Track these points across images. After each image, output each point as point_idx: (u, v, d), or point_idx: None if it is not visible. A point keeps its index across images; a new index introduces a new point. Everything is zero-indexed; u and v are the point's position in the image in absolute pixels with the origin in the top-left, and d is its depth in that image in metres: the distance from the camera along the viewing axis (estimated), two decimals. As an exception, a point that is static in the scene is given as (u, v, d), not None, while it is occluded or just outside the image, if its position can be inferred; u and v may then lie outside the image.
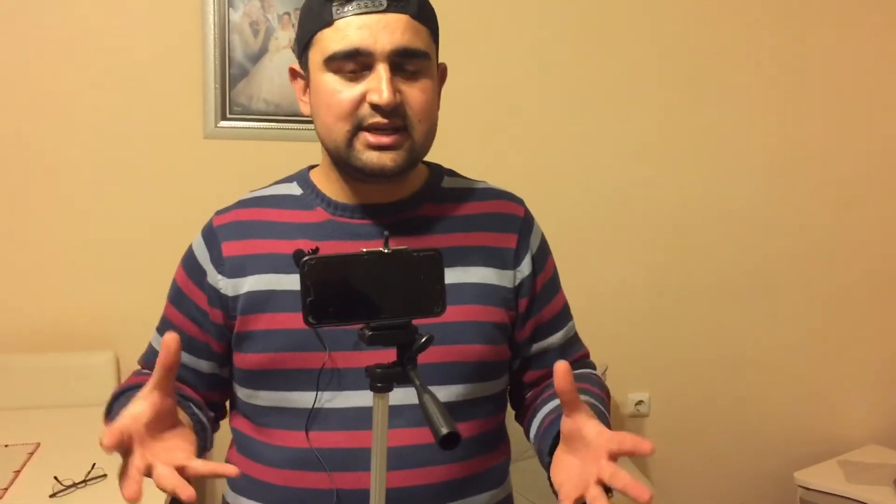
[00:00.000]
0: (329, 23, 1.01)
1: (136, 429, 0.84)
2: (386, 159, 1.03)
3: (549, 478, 0.96)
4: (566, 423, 0.91)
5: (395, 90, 1.01)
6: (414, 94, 1.03)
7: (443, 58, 1.15)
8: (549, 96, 2.74)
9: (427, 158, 1.21)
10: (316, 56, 1.05)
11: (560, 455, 0.94)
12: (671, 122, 2.82)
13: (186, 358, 1.14)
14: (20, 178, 2.49)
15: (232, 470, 0.84)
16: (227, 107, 2.55)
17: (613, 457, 0.85)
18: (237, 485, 1.15)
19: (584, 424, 0.89)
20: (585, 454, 0.88)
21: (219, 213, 1.17)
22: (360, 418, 1.05)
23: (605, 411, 1.08)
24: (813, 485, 2.74)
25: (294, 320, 1.05)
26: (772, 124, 2.88)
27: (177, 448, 0.88)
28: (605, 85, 2.76)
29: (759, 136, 2.88)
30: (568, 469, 0.91)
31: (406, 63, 1.02)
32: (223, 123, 2.56)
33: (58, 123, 2.49)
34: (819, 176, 2.93)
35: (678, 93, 2.81)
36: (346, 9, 1.00)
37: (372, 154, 1.03)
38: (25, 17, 2.44)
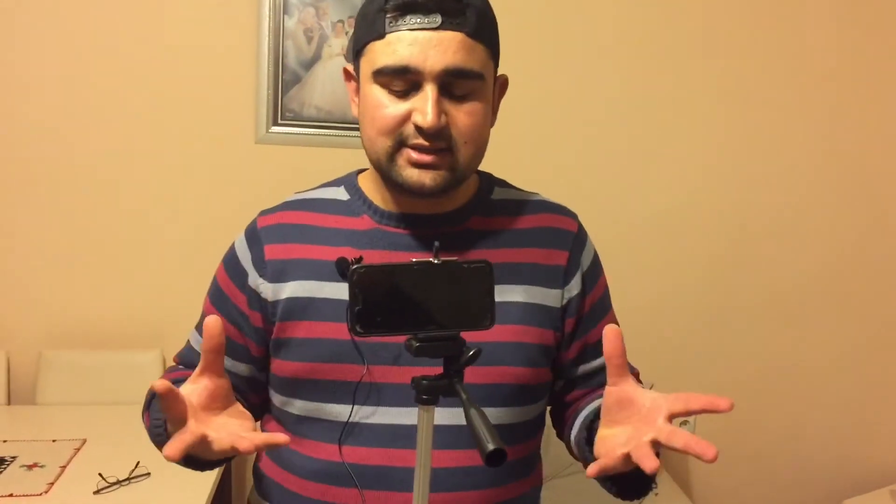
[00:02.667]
0: (381, 35, 0.98)
1: (188, 407, 0.83)
2: (426, 178, 1.00)
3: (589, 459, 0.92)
4: (611, 393, 0.87)
5: (442, 112, 0.98)
6: (461, 116, 1.00)
7: (500, 68, 1.13)
8: (598, 110, 2.71)
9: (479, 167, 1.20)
10: (366, 66, 1.02)
11: (603, 431, 0.89)
12: (719, 136, 2.77)
13: (225, 361, 1.13)
14: (73, 181, 2.54)
15: (282, 438, 0.82)
16: (279, 113, 2.58)
17: (672, 419, 0.81)
18: (265, 492, 1.14)
19: (634, 391, 0.86)
20: (638, 419, 0.84)
21: (263, 213, 1.15)
22: (396, 436, 1.03)
23: None
24: (863, 514, 2.66)
25: (334, 330, 1.04)
26: (822, 139, 2.81)
27: (234, 423, 0.88)
28: (653, 99, 2.72)
29: (808, 152, 2.81)
30: (613, 439, 0.85)
31: (456, 83, 0.99)
32: (275, 129, 2.58)
33: (109, 127, 2.54)
34: (872, 193, 2.86)
35: (726, 109, 2.76)
36: (399, 23, 0.97)
37: (413, 171, 1.00)
38: (81, 22, 2.49)
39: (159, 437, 0.98)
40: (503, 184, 1.19)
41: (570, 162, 2.72)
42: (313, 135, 2.59)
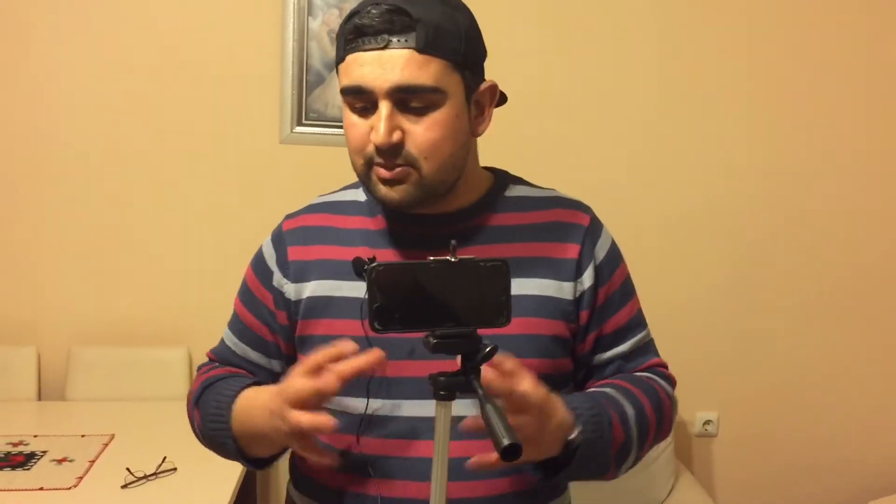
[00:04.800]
0: (342, 59, 1.04)
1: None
2: (393, 193, 1.04)
3: None
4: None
5: (396, 128, 1.00)
6: (419, 132, 1.02)
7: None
8: (622, 110, 2.70)
9: (496, 165, 1.21)
10: (340, 87, 1.07)
11: None
12: (746, 137, 2.75)
13: (258, 357, 1.18)
14: (102, 180, 2.58)
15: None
16: (304, 113, 2.60)
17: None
18: (297, 480, 1.18)
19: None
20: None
21: (288, 217, 1.20)
22: (412, 428, 1.06)
23: (618, 395, 1.07)
24: (889, 516, 2.63)
25: (351, 327, 1.06)
26: (848, 139, 2.78)
27: None
28: (677, 99, 2.71)
29: (835, 152, 2.78)
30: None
31: (410, 100, 1.01)
32: (299, 129, 2.61)
33: (136, 128, 2.58)
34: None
35: (751, 108, 2.74)
36: (354, 45, 1.01)
37: (382, 188, 1.04)
38: (107, 25, 2.53)
39: (217, 433, 1.08)
40: (518, 181, 1.20)
41: (593, 164, 2.72)
42: (337, 135, 2.61)
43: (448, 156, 1.05)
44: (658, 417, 1.11)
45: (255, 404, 1.04)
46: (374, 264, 0.80)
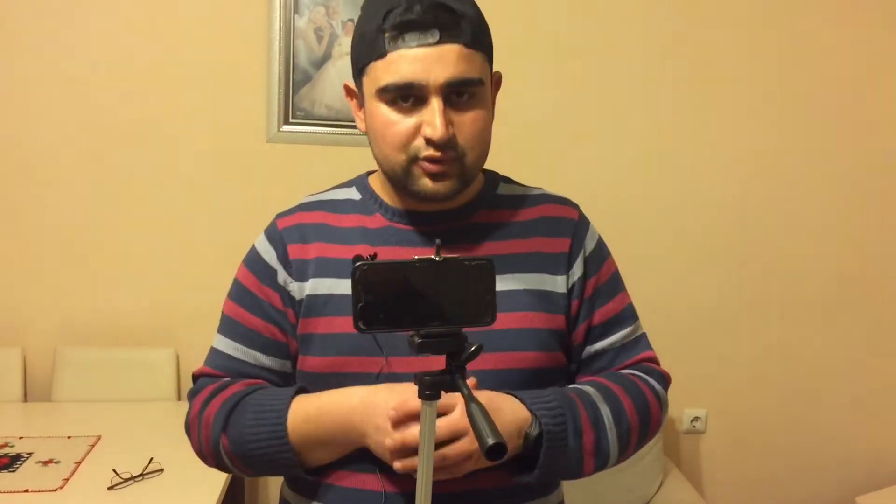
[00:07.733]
0: (382, 55, 1.02)
1: None
2: (440, 187, 1.05)
3: None
4: None
5: (448, 122, 1.02)
6: (466, 123, 1.04)
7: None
8: (611, 106, 2.71)
9: (485, 166, 1.21)
10: (369, 85, 1.05)
11: None
12: (738, 136, 2.76)
13: (272, 362, 1.14)
14: (87, 180, 2.57)
15: None
16: (290, 111, 2.59)
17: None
18: (294, 480, 1.16)
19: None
20: None
21: (281, 215, 1.18)
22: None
23: (595, 394, 1.08)
24: (876, 511, 2.65)
25: (350, 325, 1.06)
26: (844, 139, 2.80)
27: None
28: (669, 97, 2.72)
29: (826, 155, 2.80)
30: None
31: (459, 92, 1.03)
32: (286, 128, 2.60)
33: (123, 127, 2.56)
34: (885, 190, 2.84)
35: (745, 108, 2.75)
36: (399, 42, 1.00)
37: (427, 182, 1.05)
38: (94, 23, 2.52)
39: (264, 449, 1.04)
40: (507, 180, 1.23)
41: (584, 163, 2.72)
42: (324, 133, 2.61)
43: (486, 145, 1.09)
44: (642, 418, 1.11)
45: (330, 409, 1.03)
46: (359, 263, 0.80)
